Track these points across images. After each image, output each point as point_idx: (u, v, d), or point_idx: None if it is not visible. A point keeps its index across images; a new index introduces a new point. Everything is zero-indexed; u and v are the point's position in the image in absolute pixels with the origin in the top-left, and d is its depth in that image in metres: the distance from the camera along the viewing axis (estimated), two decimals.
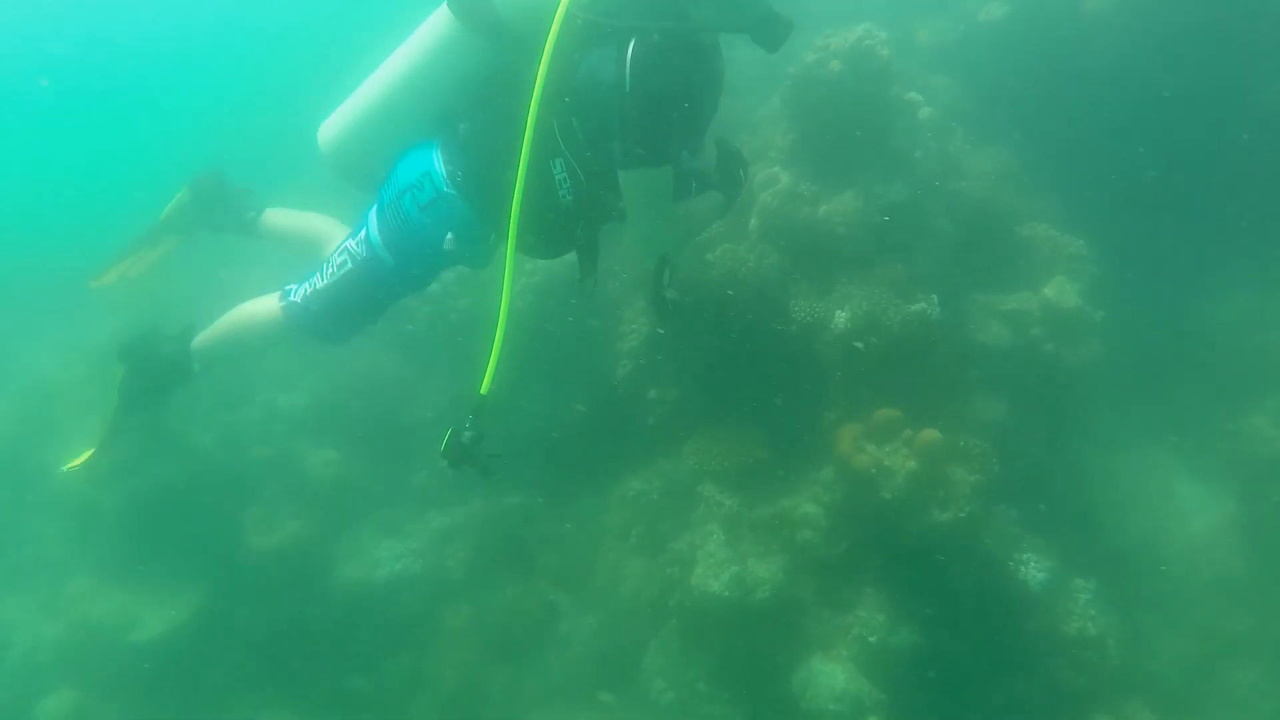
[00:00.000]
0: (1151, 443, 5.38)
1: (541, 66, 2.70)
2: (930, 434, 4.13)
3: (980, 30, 6.40)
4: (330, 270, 3.53)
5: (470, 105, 3.17)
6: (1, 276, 11.28)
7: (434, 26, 3.13)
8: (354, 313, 3.61)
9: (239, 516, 5.76)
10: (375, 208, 3.39)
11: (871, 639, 4.15)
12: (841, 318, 4.40)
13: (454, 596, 5.50)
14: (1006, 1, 6.38)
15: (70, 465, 4.52)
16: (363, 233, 3.42)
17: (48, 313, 8.35)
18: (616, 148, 2.78)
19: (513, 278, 2.78)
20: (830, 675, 4.09)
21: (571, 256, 3.43)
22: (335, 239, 3.70)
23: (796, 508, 4.53)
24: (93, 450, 4.45)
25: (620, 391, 5.49)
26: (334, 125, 3.43)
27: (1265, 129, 5.43)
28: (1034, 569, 4.40)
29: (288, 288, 3.74)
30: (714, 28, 2.89)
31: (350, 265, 3.45)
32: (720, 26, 2.88)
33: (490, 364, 2.71)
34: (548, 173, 3.02)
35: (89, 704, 5.41)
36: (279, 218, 4.34)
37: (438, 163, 3.19)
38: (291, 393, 6.30)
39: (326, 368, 6.35)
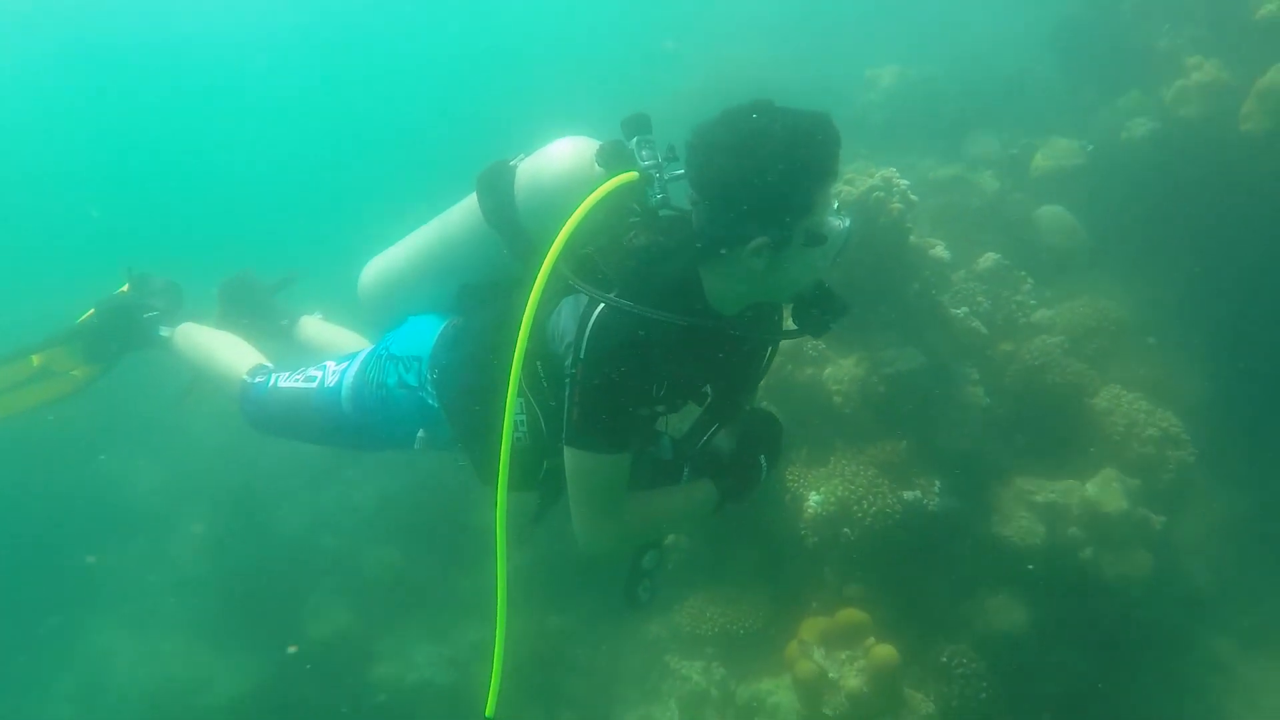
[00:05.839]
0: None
1: (526, 315, 2.27)
2: (884, 651, 3.63)
3: (1116, 153, 5.56)
4: (298, 379, 3.33)
5: (475, 300, 2.92)
6: None
7: (465, 207, 2.90)
8: (293, 427, 3.38)
9: (308, 600, 6.14)
10: (367, 353, 3.20)
11: None
12: (814, 501, 3.98)
13: (476, 716, 5.50)
14: (1153, 118, 5.51)
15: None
16: (345, 366, 3.22)
17: None
18: (565, 418, 2.29)
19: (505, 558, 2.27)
20: None
21: None
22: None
23: (771, 694, 4.20)
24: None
25: None
26: (370, 270, 3.30)
27: None
28: None
29: (265, 366, 3.53)
30: (735, 330, 2.31)
31: (313, 390, 3.25)
32: (744, 331, 2.35)
33: (491, 695, 2.27)
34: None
35: None
36: (313, 329, 3.97)
37: (431, 352, 2.92)
38: (362, 488, 6.63)
39: (397, 467, 6.60)
